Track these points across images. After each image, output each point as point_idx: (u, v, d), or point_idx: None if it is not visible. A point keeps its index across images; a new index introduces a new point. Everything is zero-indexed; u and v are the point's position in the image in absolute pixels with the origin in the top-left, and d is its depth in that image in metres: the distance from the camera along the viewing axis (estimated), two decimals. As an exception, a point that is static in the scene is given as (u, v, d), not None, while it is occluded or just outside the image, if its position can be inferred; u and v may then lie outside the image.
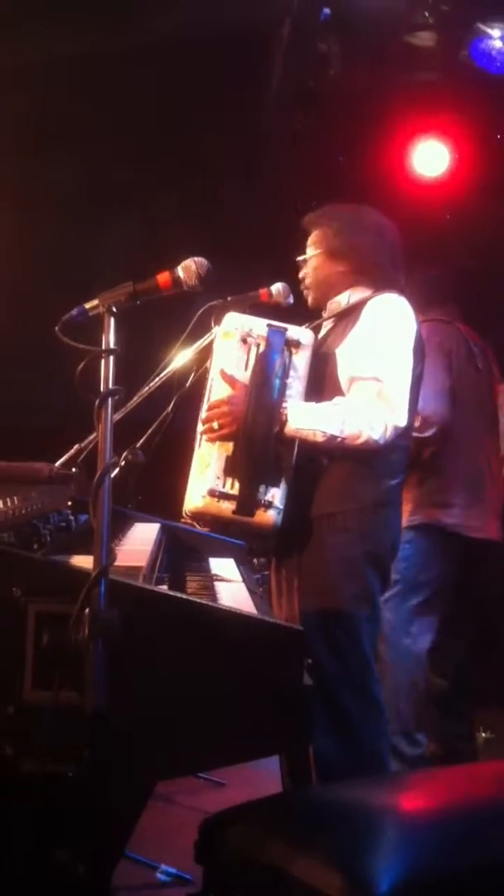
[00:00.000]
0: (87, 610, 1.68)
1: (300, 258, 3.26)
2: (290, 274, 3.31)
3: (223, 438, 2.88)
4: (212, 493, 2.85)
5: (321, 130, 5.65)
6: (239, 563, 3.04)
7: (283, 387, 2.89)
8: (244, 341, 2.92)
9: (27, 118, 5.03)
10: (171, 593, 2.03)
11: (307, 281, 3.24)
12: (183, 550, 3.11)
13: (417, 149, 5.82)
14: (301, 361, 2.94)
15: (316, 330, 3.14)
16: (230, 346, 2.94)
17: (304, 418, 2.86)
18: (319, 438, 2.85)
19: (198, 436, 2.96)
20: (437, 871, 1.75)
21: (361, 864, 1.70)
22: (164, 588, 2.13)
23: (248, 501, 2.84)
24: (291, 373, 2.92)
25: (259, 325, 2.95)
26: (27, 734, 1.76)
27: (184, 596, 2.00)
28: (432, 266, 4.37)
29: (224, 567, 2.92)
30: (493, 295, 5.67)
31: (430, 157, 5.83)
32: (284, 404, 2.87)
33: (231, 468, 2.86)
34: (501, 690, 5.16)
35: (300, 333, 2.97)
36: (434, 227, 5.59)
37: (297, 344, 2.94)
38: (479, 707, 5.03)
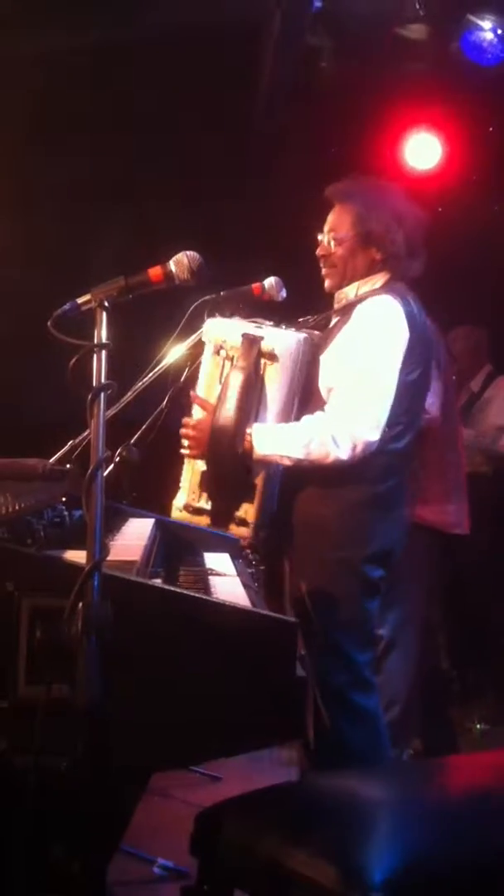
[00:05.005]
0: (80, 604, 1.68)
1: (323, 236, 3.06)
2: (283, 268, 3.30)
3: (193, 458, 2.90)
4: (186, 508, 2.91)
5: (313, 124, 5.64)
6: (234, 558, 3.05)
7: (250, 408, 2.80)
8: (218, 353, 2.86)
9: (23, 113, 5.02)
10: (165, 587, 2.03)
11: (333, 260, 3.04)
12: (177, 545, 3.12)
13: (409, 141, 5.83)
14: (277, 374, 2.83)
15: (326, 322, 3.09)
16: (207, 357, 2.90)
17: (270, 444, 2.80)
18: (287, 462, 2.81)
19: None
20: (431, 862, 1.76)
21: (356, 856, 1.71)
22: (157, 582, 2.14)
23: (221, 517, 2.87)
24: (268, 386, 2.83)
25: (234, 335, 2.84)
26: (21, 729, 1.77)
27: (177, 589, 2.00)
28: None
29: (219, 561, 2.92)
30: (484, 287, 5.68)
31: (422, 150, 5.85)
32: (249, 430, 2.80)
33: (202, 483, 2.88)
34: (497, 682, 5.17)
35: (277, 341, 2.83)
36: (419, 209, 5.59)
37: (272, 356, 2.82)
38: (474, 699, 5.06)
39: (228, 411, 2.78)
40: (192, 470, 2.90)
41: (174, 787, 3.80)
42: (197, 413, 2.90)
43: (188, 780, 3.88)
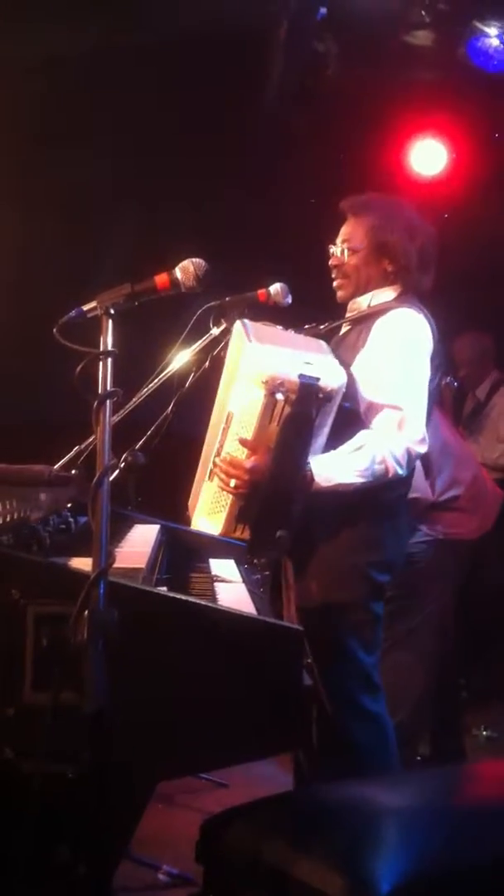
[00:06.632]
0: (86, 611, 1.67)
1: (336, 247, 3.07)
2: (288, 274, 3.30)
3: (240, 496, 2.81)
4: (223, 536, 2.89)
5: (319, 130, 5.65)
6: (239, 564, 3.04)
7: (310, 449, 2.75)
8: (273, 394, 2.69)
9: (28, 116, 5.02)
10: (171, 594, 2.03)
11: (344, 271, 3.06)
12: (183, 551, 3.11)
13: (415, 148, 5.84)
14: (329, 410, 2.76)
15: (336, 331, 3.08)
16: (257, 396, 2.72)
17: (334, 475, 2.76)
18: (351, 489, 2.78)
19: (210, 465, 2.90)
20: (439, 871, 1.75)
21: (363, 865, 1.71)
22: (163, 589, 2.13)
23: (260, 547, 2.85)
24: (318, 422, 2.75)
25: (291, 372, 2.68)
26: (27, 735, 1.76)
27: (183, 597, 2.00)
28: None
29: (224, 568, 2.92)
30: (490, 293, 5.68)
31: (428, 156, 5.86)
32: (309, 467, 2.75)
33: (243, 517, 2.81)
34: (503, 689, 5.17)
35: (331, 378, 2.71)
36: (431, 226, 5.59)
37: (329, 396, 2.71)
38: (481, 705, 5.05)
39: (293, 457, 2.72)
40: (233, 502, 2.81)
41: (180, 794, 3.80)
42: (232, 448, 2.80)
43: (194, 786, 3.87)
